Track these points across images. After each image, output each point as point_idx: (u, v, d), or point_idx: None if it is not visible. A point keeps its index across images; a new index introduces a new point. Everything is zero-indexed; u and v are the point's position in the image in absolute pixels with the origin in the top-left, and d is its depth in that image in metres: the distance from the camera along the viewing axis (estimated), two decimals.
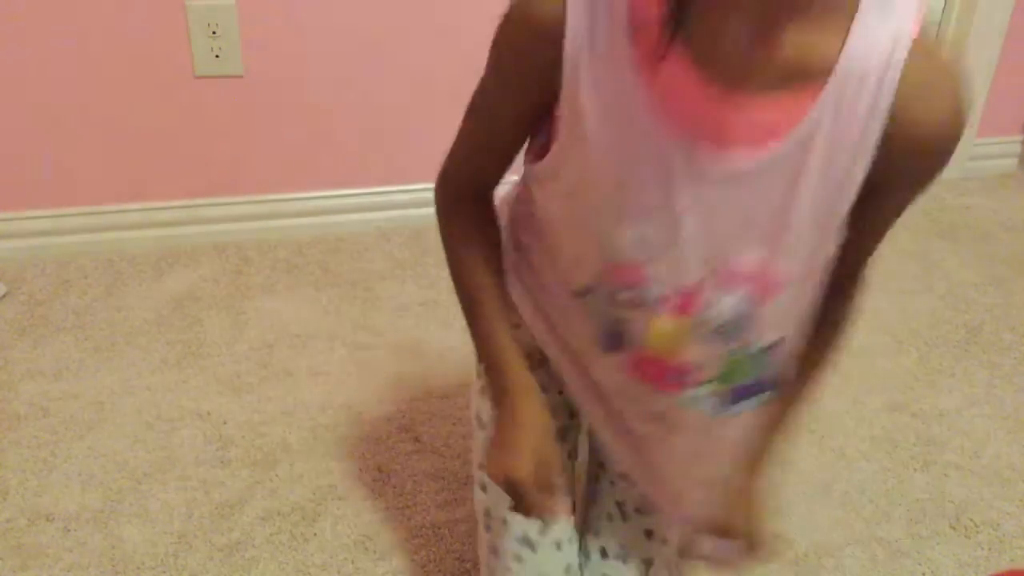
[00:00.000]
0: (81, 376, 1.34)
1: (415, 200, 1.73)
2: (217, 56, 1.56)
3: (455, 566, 1.07)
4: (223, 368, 1.37)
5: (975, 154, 2.09)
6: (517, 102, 0.71)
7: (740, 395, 0.76)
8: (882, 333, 1.53)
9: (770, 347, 0.73)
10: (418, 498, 1.16)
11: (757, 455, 0.80)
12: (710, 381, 0.75)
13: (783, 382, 0.76)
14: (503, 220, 0.83)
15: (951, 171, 2.09)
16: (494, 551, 0.92)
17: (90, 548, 1.08)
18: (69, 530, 1.10)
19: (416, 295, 1.56)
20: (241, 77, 1.59)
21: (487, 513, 0.93)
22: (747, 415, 0.77)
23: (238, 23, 1.55)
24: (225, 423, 1.27)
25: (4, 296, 1.51)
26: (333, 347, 1.43)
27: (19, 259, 1.60)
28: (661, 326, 0.72)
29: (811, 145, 0.62)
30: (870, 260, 0.74)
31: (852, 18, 0.60)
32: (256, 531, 1.11)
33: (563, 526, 0.92)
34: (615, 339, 0.75)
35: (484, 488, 0.93)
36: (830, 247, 0.69)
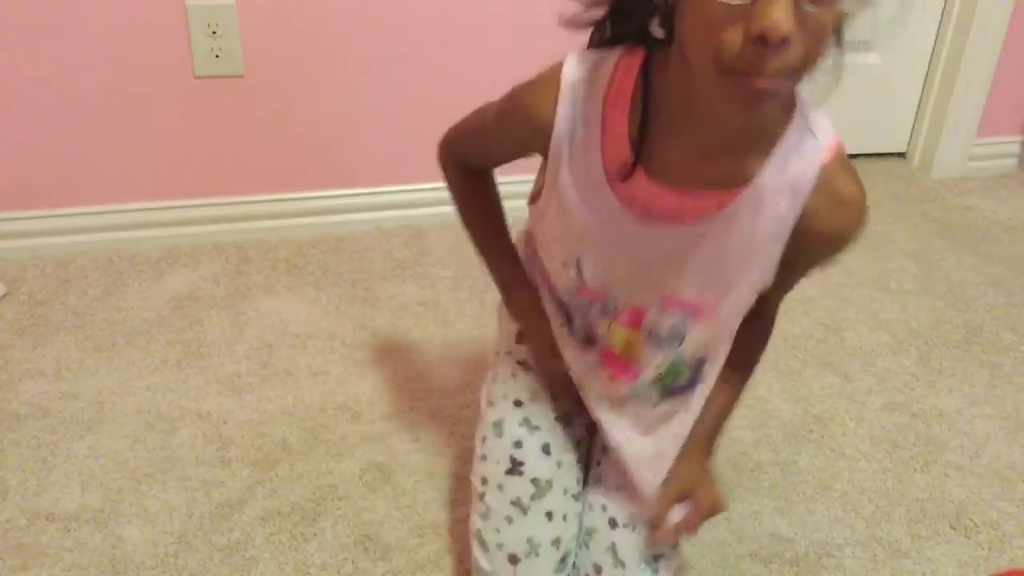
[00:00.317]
0: (81, 376, 1.34)
1: (415, 200, 1.73)
2: (217, 56, 1.56)
3: (455, 566, 1.07)
4: (223, 368, 1.37)
5: (975, 154, 2.09)
6: (509, 147, 0.90)
7: (673, 392, 0.93)
8: (882, 333, 1.54)
9: (699, 360, 0.91)
10: (418, 498, 1.16)
11: (706, 436, 0.97)
12: (653, 379, 0.92)
13: (710, 383, 0.94)
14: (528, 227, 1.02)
15: (950, 171, 2.13)
16: (485, 516, 0.95)
17: (90, 548, 1.08)
18: (69, 530, 1.10)
19: (416, 295, 1.56)
20: (241, 77, 1.59)
21: (484, 481, 0.97)
22: (674, 409, 0.95)
23: (238, 23, 1.55)
24: (225, 423, 1.27)
25: (4, 296, 1.51)
26: (333, 347, 1.43)
27: (19, 259, 1.60)
28: (618, 332, 0.90)
29: (734, 224, 0.79)
30: (780, 301, 0.94)
31: (775, 142, 0.76)
32: (256, 531, 1.11)
33: (558, 498, 0.95)
34: (590, 338, 0.94)
35: (484, 458, 0.98)
36: (752, 296, 0.85)
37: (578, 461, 1.00)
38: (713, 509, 0.95)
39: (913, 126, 2.11)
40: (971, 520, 1.18)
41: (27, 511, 1.12)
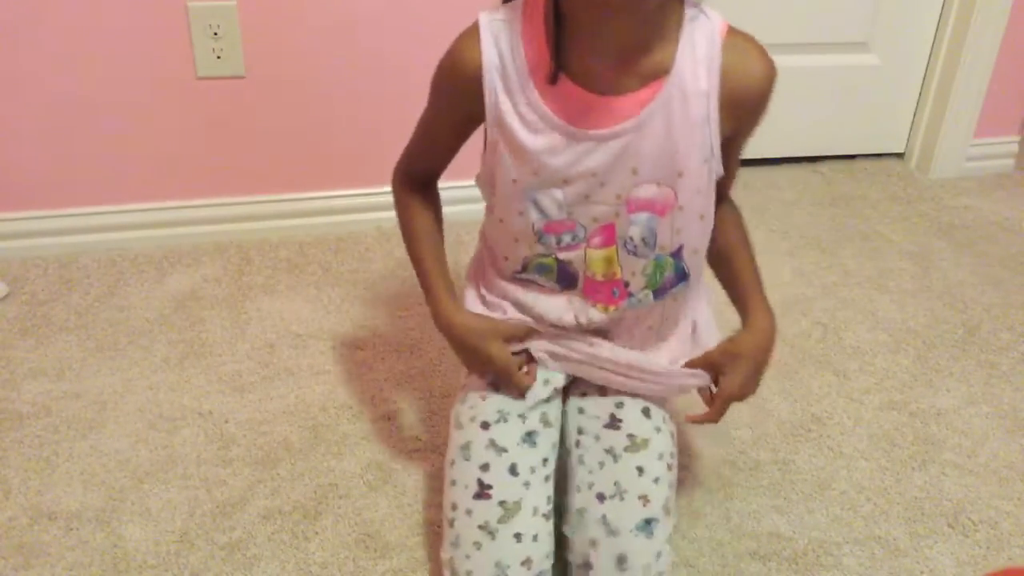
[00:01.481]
0: (83, 376, 1.35)
1: None
2: (219, 57, 1.57)
3: None
4: (225, 367, 1.38)
5: (972, 154, 2.09)
6: (450, 122, 0.97)
7: (663, 290, 1.01)
8: (880, 332, 1.54)
9: (678, 249, 0.97)
10: (418, 496, 1.17)
11: (750, 293, 1.04)
12: (642, 289, 0.99)
13: (697, 271, 1.02)
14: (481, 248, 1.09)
15: (948, 171, 2.14)
16: (455, 543, 0.95)
17: (92, 547, 1.08)
18: (71, 529, 1.10)
19: (416, 295, 1.56)
20: (243, 78, 1.60)
21: (453, 507, 0.97)
22: (672, 298, 1.03)
23: (239, 24, 1.55)
24: (227, 422, 1.27)
25: (6, 296, 1.51)
26: (334, 346, 1.43)
27: (21, 259, 1.61)
28: (594, 255, 0.97)
29: (667, 111, 0.88)
30: (732, 184, 1.04)
31: (677, 33, 0.87)
32: (258, 530, 1.11)
33: (527, 519, 0.94)
34: (569, 277, 1.00)
35: (454, 483, 0.99)
36: (708, 176, 0.93)
37: (546, 479, 1.00)
38: (730, 397, 1.02)
39: (911, 126, 2.12)
40: (969, 519, 1.18)
41: (29, 510, 1.12)
